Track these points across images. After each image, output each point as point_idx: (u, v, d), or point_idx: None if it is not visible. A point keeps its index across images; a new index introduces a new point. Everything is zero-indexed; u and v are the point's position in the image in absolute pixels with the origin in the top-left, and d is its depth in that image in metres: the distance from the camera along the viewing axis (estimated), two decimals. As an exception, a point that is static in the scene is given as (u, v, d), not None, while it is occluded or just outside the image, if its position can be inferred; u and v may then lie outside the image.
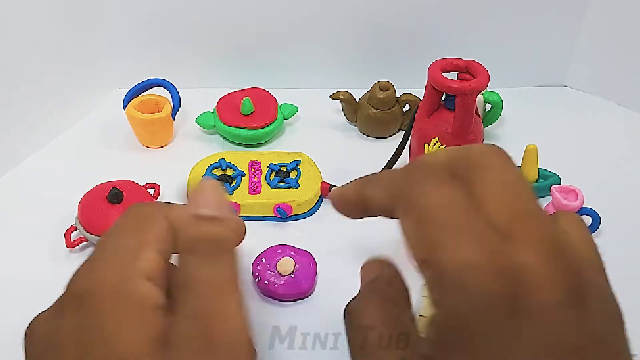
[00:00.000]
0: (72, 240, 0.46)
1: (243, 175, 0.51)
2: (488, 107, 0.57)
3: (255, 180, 0.51)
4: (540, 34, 0.63)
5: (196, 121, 0.59)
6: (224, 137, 0.59)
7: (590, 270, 0.26)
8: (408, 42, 0.64)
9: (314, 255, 0.45)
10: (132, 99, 0.57)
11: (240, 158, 0.53)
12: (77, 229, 0.47)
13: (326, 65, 0.65)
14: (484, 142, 0.49)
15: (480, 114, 0.54)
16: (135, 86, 0.57)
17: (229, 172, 0.52)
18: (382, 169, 0.52)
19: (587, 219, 0.47)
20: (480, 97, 0.56)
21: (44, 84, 0.57)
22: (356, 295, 0.30)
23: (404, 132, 0.52)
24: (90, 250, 0.47)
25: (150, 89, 0.58)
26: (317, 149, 0.55)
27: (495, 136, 0.59)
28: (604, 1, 0.61)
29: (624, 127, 0.61)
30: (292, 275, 0.42)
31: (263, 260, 0.44)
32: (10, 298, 0.42)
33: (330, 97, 0.59)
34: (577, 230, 0.27)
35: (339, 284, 0.45)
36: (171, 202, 0.32)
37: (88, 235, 0.46)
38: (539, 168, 0.52)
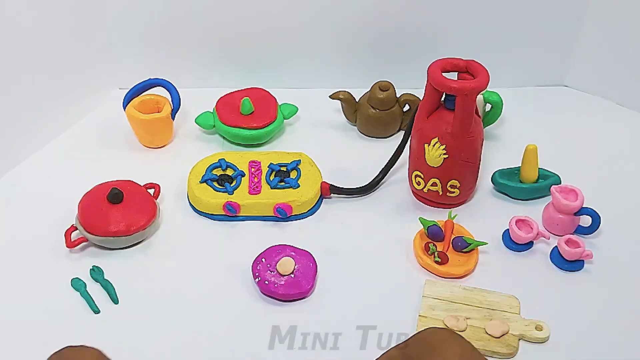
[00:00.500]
0: (72, 240, 0.46)
1: (243, 175, 0.51)
2: (488, 107, 0.57)
3: (255, 180, 0.51)
4: (540, 34, 0.63)
5: (196, 121, 0.59)
6: (224, 137, 0.59)
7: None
8: (408, 42, 0.63)
9: (314, 255, 0.45)
10: (132, 99, 0.57)
11: (240, 158, 0.53)
12: (77, 229, 0.47)
13: (326, 65, 0.65)
14: (484, 142, 0.49)
15: (480, 114, 0.54)
16: (135, 86, 0.57)
17: (229, 172, 0.52)
18: (382, 169, 0.52)
19: (587, 219, 0.47)
20: (480, 97, 0.56)
21: (44, 84, 0.57)
22: None
23: (404, 132, 0.52)
24: (90, 250, 0.47)
25: (150, 89, 0.58)
26: (317, 149, 0.55)
27: (495, 136, 0.59)
28: (604, 1, 0.61)
29: (624, 127, 0.61)
30: (292, 275, 0.42)
31: (263, 260, 0.44)
32: (10, 297, 0.42)
33: (330, 97, 0.59)
34: None
35: (339, 284, 0.45)
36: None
37: (88, 235, 0.46)
38: (539, 168, 0.52)
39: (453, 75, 0.46)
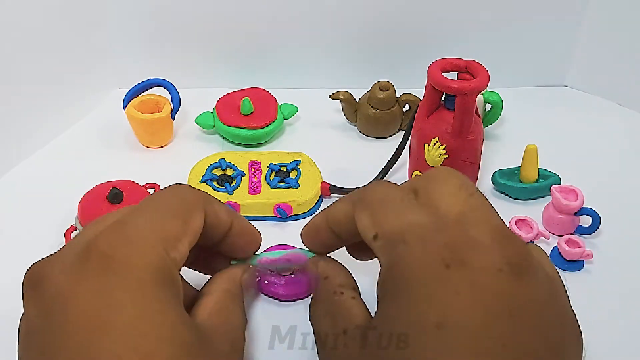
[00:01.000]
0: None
1: (243, 175, 0.51)
2: (488, 107, 0.57)
3: (255, 180, 0.51)
4: (540, 34, 0.63)
5: (196, 121, 0.59)
6: (224, 137, 0.59)
7: (536, 255, 0.28)
8: (408, 42, 0.64)
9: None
10: (132, 99, 0.57)
11: (240, 158, 0.53)
12: (77, 229, 0.47)
13: (326, 65, 0.65)
14: (484, 142, 0.49)
15: (480, 114, 0.54)
16: (135, 86, 0.57)
17: (229, 172, 0.52)
18: (382, 169, 0.52)
19: (587, 219, 0.47)
20: (480, 97, 0.56)
21: (44, 84, 0.57)
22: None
23: (404, 132, 0.52)
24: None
25: (150, 89, 0.58)
26: (317, 149, 0.55)
27: (495, 136, 0.59)
28: (604, 1, 0.61)
29: (624, 127, 0.61)
30: (292, 275, 0.42)
31: (263, 260, 0.44)
32: (10, 298, 0.42)
33: (330, 97, 0.59)
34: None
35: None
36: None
37: (88, 235, 0.46)
38: (539, 168, 0.52)
39: (453, 75, 0.46)
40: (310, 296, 0.42)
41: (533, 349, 0.24)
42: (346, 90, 0.59)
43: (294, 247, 0.45)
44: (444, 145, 0.47)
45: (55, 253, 0.29)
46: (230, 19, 0.62)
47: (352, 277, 0.34)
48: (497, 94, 0.57)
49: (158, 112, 0.57)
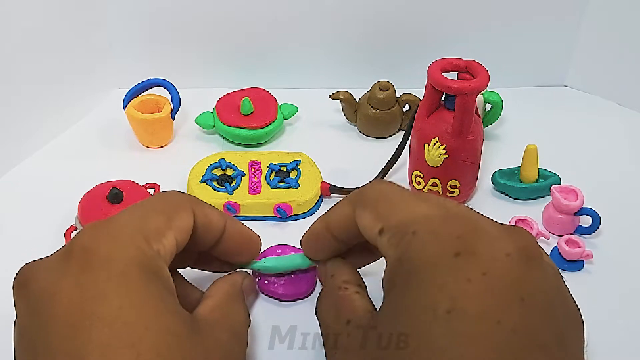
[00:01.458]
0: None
1: (243, 175, 0.51)
2: (488, 107, 0.57)
3: (255, 180, 0.51)
4: (540, 34, 0.63)
5: (196, 121, 0.59)
6: (224, 137, 0.59)
7: (541, 249, 0.28)
8: (408, 42, 0.64)
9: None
10: (132, 99, 0.57)
11: (240, 158, 0.53)
12: (77, 229, 0.47)
13: (326, 65, 0.65)
14: (484, 142, 0.49)
15: (480, 114, 0.54)
16: (135, 86, 0.57)
17: (229, 172, 0.52)
18: (382, 169, 0.52)
19: (587, 219, 0.47)
20: (480, 97, 0.56)
21: (44, 84, 0.57)
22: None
23: (404, 132, 0.52)
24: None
25: (150, 89, 0.58)
26: (317, 149, 0.55)
27: (495, 136, 0.59)
28: (604, 1, 0.61)
29: (624, 127, 0.61)
30: (292, 275, 0.42)
31: (263, 260, 0.44)
32: (10, 298, 0.42)
33: (330, 97, 0.59)
34: None
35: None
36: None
37: (88, 235, 0.46)
38: (539, 168, 0.52)
39: (453, 75, 0.46)
40: (309, 296, 0.43)
41: (541, 336, 0.24)
42: (346, 90, 0.59)
43: (294, 247, 0.45)
44: (444, 145, 0.47)
45: (44, 257, 0.30)
46: (230, 19, 0.62)
47: (358, 274, 0.35)
48: (497, 94, 0.57)
49: (158, 112, 0.57)
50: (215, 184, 0.51)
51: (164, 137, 0.58)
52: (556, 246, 0.46)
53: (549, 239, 0.47)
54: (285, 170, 0.52)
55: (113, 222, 0.29)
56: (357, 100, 0.59)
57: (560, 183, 0.51)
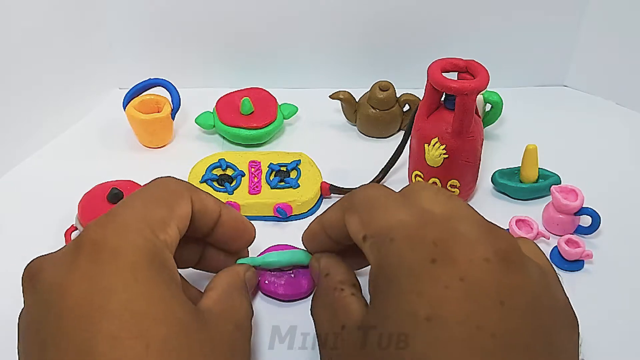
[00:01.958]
0: (72, 240, 0.46)
1: (243, 175, 0.51)
2: (488, 107, 0.57)
3: (255, 180, 0.51)
4: (540, 34, 0.63)
5: (196, 121, 0.59)
6: (224, 137, 0.59)
7: (526, 249, 0.28)
8: (408, 42, 0.64)
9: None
10: (132, 99, 0.57)
11: (240, 158, 0.53)
12: (77, 229, 0.47)
13: (326, 65, 0.65)
14: (484, 142, 0.49)
15: (480, 114, 0.54)
16: (135, 86, 0.57)
17: (229, 172, 0.52)
18: (382, 169, 0.52)
19: (587, 219, 0.47)
20: (480, 97, 0.56)
21: (44, 84, 0.57)
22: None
23: (404, 132, 0.52)
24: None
25: (150, 89, 0.58)
26: (317, 149, 0.55)
27: (495, 136, 0.59)
28: (604, 1, 0.61)
29: (624, 127, 0.61)
30: (293, 275, 0.42)
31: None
32: (10, 298, 0.42)
33: (330, 97, 0.59)
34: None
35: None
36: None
37: (88, 235, 0.46)
38: (539, 168, 0.52)
39: (453, 75, 0.46)
40: (309, 296, 0.43)
41: (524, 338, 0.24)
42: (346, 90, 0.59)
43: (294, 247, 0.45)
44: (444, 145, 0.47)
45: (52, 252, 0.30)
46: (231, 19, 0.62)
47: (354, 274, 0.35)
48: (497, 94, 0.57)
49: (158, 112, 0.57)
50: (215, 184, 0.51)
51: (164, 137, 0.58)
52: (556, 246, 0.46)
53: (549, 239, 0.47)
54: (285, 170, 0.52)
55: (119, 215, 0.29)
56: (357, 100, 0.59)
57: (560, 183, 0.51)
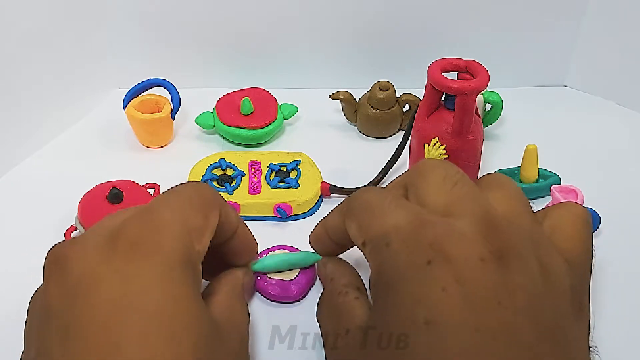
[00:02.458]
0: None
1: (243, 175, 0.51)
2: (488, 107, 0.57)
3: (255, 180, 0.51)
4: (540, 34, 0.63)
5: (196, 121, 0.59)
6: (224, 137, 0.59)
7: (522, 240, 0.27)
8: (408, 42, 0.64)
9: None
10: (132, 99, 0.57)
11: (240, 158, 0.53)
12: (77, 229, 0.47)
13: (326, 65, 0.65)
14: (484, 142, 0.49)
15: (480, 114, 0.54)
16: (135, 86, 0.57)
17: (229, 172, 0.52)
18: (382, 169, 0.52)
19: (587, 219, 0.47)
20: (480, 97, 0.56)
21: (44, 84, 0.57)
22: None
23: (404, 132, 0.52)
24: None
25: (150, 89, 0.58)
26: (317, 149, 0.55)
27: (495, 136, 0.59)
28: (604, 1, 0.61)
29: (624, 127, 0.61)
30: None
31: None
32: (10, 298, 0.42)
33: (330, 97, 0.59)
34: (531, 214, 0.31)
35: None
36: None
37: (88, 235, 0.46)
38: (539, 168, 0.52)
39: (453, 75, 0.46)
40: (310, 296, 0.43)
41: (525, 336, 0.24)
42: (346, 90, 0.59)
43: (294, 247, 0.45)
44: (444, 145, 0.47)
45: (78, 237, 0.29)
46: (231, 19, 0.62)
47: (359, 277, 0.35)
48: (497, 94, 0.57)
49: (158, 112, 0.57)
50: (215, 184, 0.51)
51: (164, 137, 0.58)
52: (556, 246, 0.46)
53: (549, 239, 0.47)
54: (285, 170, 0.52)
55: (158, 215, 0.28)
56: (357, 100, 0.59)
57: (560, 183, 0.51)
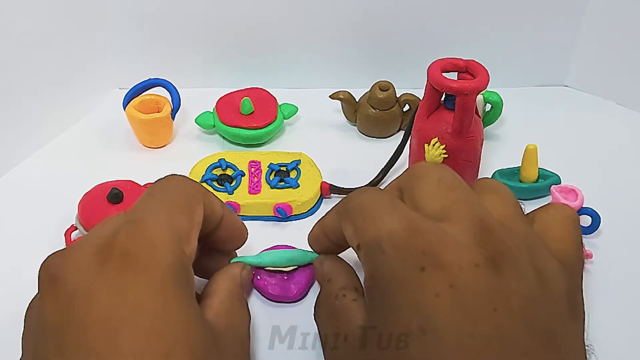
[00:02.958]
0: (72, 240, 0.46)
1: (243, 175, 0.51)
2: (488, 107, 0.57)
3: (255, 180, 0.51)
4: (540, 33, 0.63)
5: (196, 121, 0.59)
6: (224, 137, 0.59)
7: (517, 246, 0.27)
8: (408, 42, 0.64)
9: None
10: (132, 99, 0.57)
11: (240, 158, 0.53)
12: (77, 229, 0.47)
13: (326, 65, 0.65)
14: (484, 142, 0.49)
15: (480, 114, 0.54)
16: (135, 86, 0.57)
17: (229, 172, 0.52)
18: (382, 169, 0.52)
19: (587, 219, 0.47)
20: (480, 97, 0.56)
21: (44, 84, 0.57)
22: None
23: (404, 132, 0.52)
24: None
25: (150, 89, 0.58)
26: (317, 149, 0.55)
27: (495, 136, 0.59)
28: (604, 1, 0.61)
29: (624, 127, 0.61)
30: (285, 277, 0.42)
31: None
32: (10, 298, 0.42)
33: (330, 97, 0.59)
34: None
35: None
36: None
37: (88, 235, 0.46)
38: (539, 168, 0.52)
39: (453, 75, 0.46)
40: (310, 296, 0.43)
41: (522, 342, 0.24)
42: (346, 90, 0.59)
43: (294, 247, 0.45)
44: (444, 145, 0.46)
45: (69, 248, 0.29)
46: (231, 19, 0.62)
47: (357, 277, 0.35)
48: (497, 94, 0.57)
49: (158, 112, 0.57)
50: (215, 183, 0.51)
51: (164, 137, 0.58)
52: (556, 246, 0.46)
53: (549, 239, 0.47)
54: (285, 170, 0.52)
55: (147, 224, 0.28)
56: (357, 100, 0.59)
57: (560, 183, 0.51)
